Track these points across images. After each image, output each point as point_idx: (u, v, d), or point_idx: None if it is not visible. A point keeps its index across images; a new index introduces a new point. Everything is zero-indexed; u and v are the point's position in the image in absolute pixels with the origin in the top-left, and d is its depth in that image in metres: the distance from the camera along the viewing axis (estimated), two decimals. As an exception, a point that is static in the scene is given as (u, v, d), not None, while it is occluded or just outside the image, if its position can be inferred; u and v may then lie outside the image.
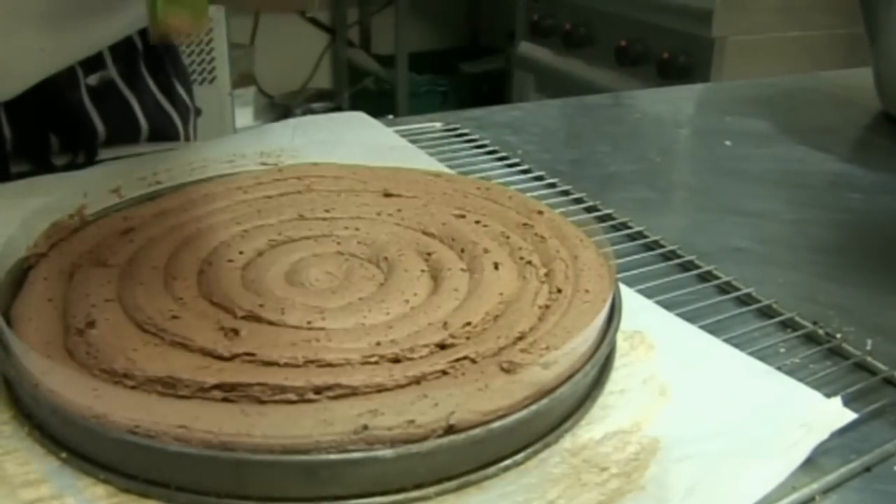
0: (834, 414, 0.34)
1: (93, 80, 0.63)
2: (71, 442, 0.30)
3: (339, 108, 2.93)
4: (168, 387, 0.31)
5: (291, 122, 0.65)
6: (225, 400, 0.30)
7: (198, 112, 0.74)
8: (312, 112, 2.68)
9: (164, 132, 0.68)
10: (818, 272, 0.52)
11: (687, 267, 0.50)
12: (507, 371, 0.32)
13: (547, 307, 0.38)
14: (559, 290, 0.39)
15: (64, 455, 0.30)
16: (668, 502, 0.30)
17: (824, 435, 0.34)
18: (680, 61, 1.77)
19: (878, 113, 0.84)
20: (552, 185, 0.60)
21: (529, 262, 0.41)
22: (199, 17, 0.39)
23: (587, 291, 0.38)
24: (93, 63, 0.63)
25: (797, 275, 0.51)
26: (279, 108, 2.68)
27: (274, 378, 0.31)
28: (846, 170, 0.71)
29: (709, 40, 1.68)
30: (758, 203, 0.62)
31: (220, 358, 0.32)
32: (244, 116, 2.30)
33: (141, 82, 0.67)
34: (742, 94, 0.90)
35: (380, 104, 2.66)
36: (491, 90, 2.83)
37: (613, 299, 0.39)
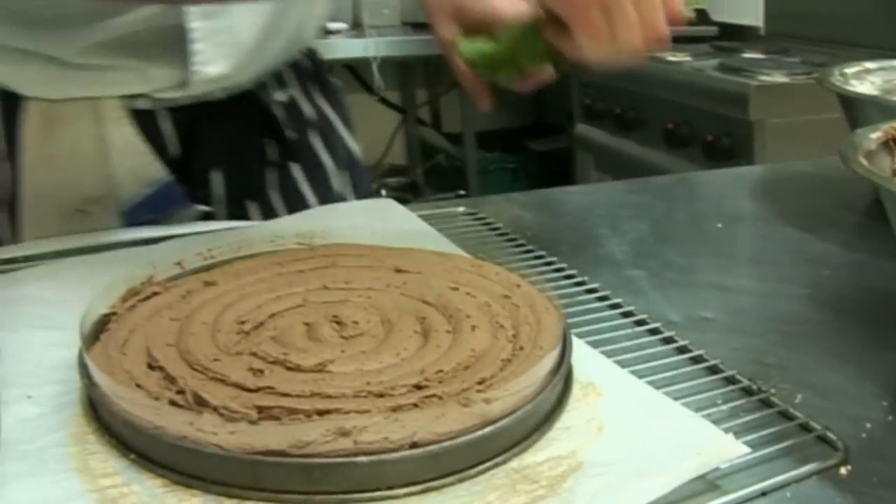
0: (727, 446, 0.43)
1: None
2: (137, 446, 0.41)
3: (413, 184, 3.05)
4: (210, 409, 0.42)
5: (325, 208, 0.79)
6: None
7: None
8: (387, 187, 2.81)
9: None
10: (772, 339, 0.59)
11: (652, 332, 0.58)
12: (462, 405, 0.42)
13: (508, 360, 0.48)
14: (521, 348, 0.49)
15: (132, 456, 0.41)
16: (574, 504, 0.39)
17: (715, 463, 0.43)
18: (723, 143, 1.84)
19: (875, 196, 0.91)
20: (550, 263, 0.69)
21: (502, 326, 0.51)
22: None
23: (541, 348, 0.48)
24: None
25: (752, 340, 0.59)
26: (356, 184, 2.82)
27: (288, 404, 0.41)
28: (825, 249, 0.77)
29: (748, 123, 1.76)
30: (732, 279, 0.70)
31: (248, 390, 0.43)
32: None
33: None
34: (749, 178, 0.99)
35: (452, 180, 2.76)
36: (558, 167, 2.90)
37: (562, 355, 0.48)
